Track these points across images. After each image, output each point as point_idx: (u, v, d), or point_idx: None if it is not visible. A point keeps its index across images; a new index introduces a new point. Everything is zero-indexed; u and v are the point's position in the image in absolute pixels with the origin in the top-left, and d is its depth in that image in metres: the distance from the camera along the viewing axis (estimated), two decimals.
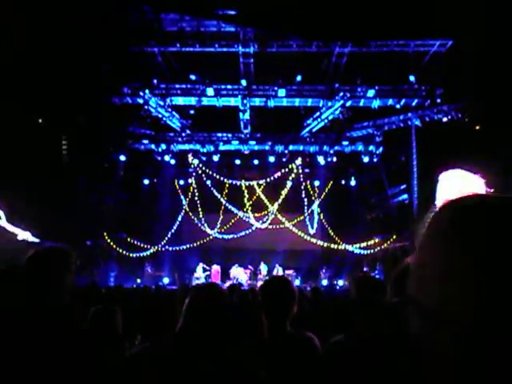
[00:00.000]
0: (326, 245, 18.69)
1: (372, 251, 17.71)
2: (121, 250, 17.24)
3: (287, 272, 17.58)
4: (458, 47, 13.88)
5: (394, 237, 16.85)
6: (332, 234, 18.55)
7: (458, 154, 10.81)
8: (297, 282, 17.26)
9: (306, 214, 19.24)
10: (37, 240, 8.48)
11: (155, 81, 15.74)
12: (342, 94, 15.70)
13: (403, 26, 12.92)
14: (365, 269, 18.45)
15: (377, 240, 17.78)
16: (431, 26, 12.99)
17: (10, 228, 7.29)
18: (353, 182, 19.80)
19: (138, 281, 16.68)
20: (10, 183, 9.67)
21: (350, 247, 18.25)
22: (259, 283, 16.26)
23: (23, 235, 7.64)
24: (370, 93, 15.62)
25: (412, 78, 15.54)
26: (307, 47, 14.53)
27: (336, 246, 18.49)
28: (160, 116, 16.75)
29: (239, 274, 17.52)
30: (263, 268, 17.81)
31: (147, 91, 15.55)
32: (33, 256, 1.98)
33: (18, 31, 9.77)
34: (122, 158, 17.56)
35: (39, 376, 1.45)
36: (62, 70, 12.12)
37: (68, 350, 1.49)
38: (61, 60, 11.95)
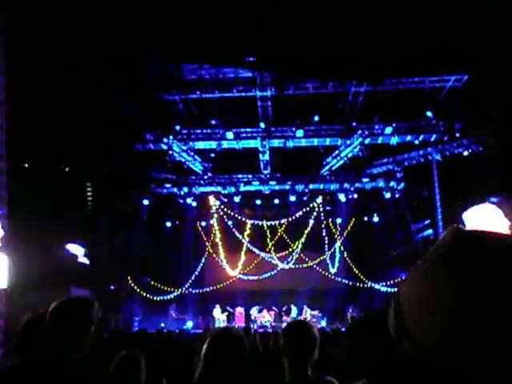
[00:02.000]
0: (351, 283, 18.29)
1: None
2: (144, 294, 17.25)
3: (312, 313, 17.19)
4: (473, 81, 13.95)
5: None
6: (356, 271, 18.19)
7: (482, 187, 10.67)
8: (323, 323, 16.82)
9: (328, 253, 18.99)
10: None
11: (177, 127, 16.25)
12: (359, 132, 15.85)
13: (417, 63, 13.13)
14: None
15: (403, 277, 17.29)
16: (445, 63, 13.17)
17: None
18: (375, 219, 19.57)
19: (162, 325, 16.54)
20: (35, 227, 9.93)
21: (376, 285, 17.80)
22: (284, 325, 15.90)
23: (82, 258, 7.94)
24: (388, 130, 15.72)
25: (429, 114, 15.60)
26: (323, 88, 14.85)
27: (362, 285, 18.07)
28: (182, 160, 17.18)
29: (264, 316, 17.22)
30: (294, 310, 17.44)
31: (170, 137, 16.04)
32: (56, 307, 2.05)
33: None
34: (146, 202, 17.92)
35: None
36: (87, 119, 12.69)
37: None
38: (86, 109, 12.53)
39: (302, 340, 2.06)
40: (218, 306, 17.48)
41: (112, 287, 16.33)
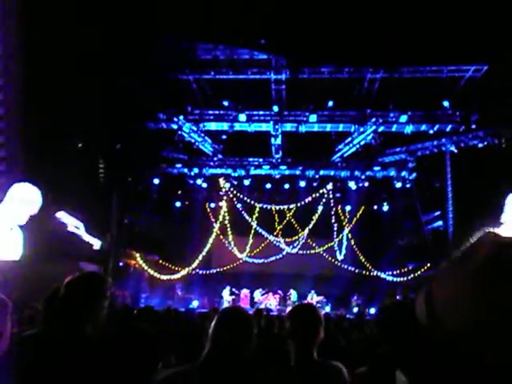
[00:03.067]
0: (357, 271, 18.34)
1: (405, 279, 17.22)
2: (152, 272, 17.49)
3: (317, 298, 17.31)
4: (493, 72, 13.65)
5: (429, 265, 16.35)
6: (363, 260, 18.20)
7: (496, 181, 10.52)
8: (327, 309, 16.94)
9: (336, 240, 19.00)
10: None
11: (189, 107, 16.19)
12: (374, 119, 15.65)
13: (436, 51, 12.87)
14: (398, 297, 17.92)
15: (410, 267, 17.31)
16: (466, 52, 12.89)
17: (88, 238, 7.69)
18: (385, 208, 19.47)
19: (169, 303, 16.79)
20: (47, 203, 10.07)
21: (382, 274, 17.83)
22: (288, 309, 16.06)
23: (97, 244, 8.05)
24: (403, 118, 15.49)
25: (446, 104, 15.33)
26: (339, 73, 14.65)
27: (368, 273, 18.11)
28: (193, 141, 17.17)
29: (269, 299, 17.41)
30: (293, 295, 17.63)
31: (181, 117, 16.01)
32: (71, 282, 2.08)
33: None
34: (156, 181, 18.01)
35: None
36: (101, 97, 12.68)
37: (107, 376, 1.55)
38: (100, 87, 12.52)
39: (308, 322, 2.08)
40: (228, 287, 17.70)
41: (121, 263, 16.56)
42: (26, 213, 3.18)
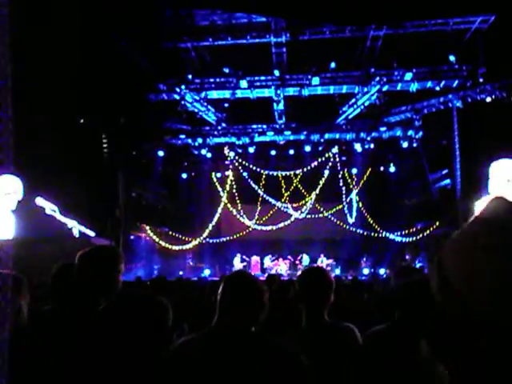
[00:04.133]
0: (365, 233, 18.43)
1: (414, 238, 17.30)
2: (163, 244, 17.72)
3: (327, 262, 17.53)
4: (501, 22, 13.16)
5: (437, 223, 16.38)
6: (372, 222, 18.26)
7: (504, 136, 10.34)
8: (337, 272, 17.18)
9: (345, 203, 19.00)
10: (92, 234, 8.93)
11: (190, 76, 15.92)
12: (378, 78, 15.29)
13: (441, 2, 12.39)
14: (407, 257, 18.07)
15: (419, 227, 17.35)
16: (472, 1, 12.41)
17: (65, 220, 7.78)
18: (392, 169, 19.35)
19: (181, 273, 17.10)
20: (54, 180, 10.09)
21: (390, 235, 17.91)
22: (299, 273, 16.30)
23: (75, 228, 8.13)
24: (408, 76, 15.11)
25: (452, 58, 14.89)
26: (341, 33, 14.22)
27: (376, 235, 18.20)
28: (196, 110, 16.98)
29: (279, 265, 17.65)
30: (305, 259, 17.84)
31: (183, 87, 15.77)
32: (83, 255, 2.09)
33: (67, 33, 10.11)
34: (161, 153, 17.98)
35: (94, 374, 1.53)
36: (100, 70, 12.49)
37: (121, 347, 1.57)
38: (98, 59, 12.31)
39: (317, 285, 2.07)
40: (238, 254, 17.94)
41: (132, 237, 16.78)
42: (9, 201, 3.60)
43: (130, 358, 1.58)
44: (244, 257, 18.14)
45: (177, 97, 16.20)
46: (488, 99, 14.67)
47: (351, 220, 18.95)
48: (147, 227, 17.49)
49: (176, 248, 18.14)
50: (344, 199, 19.00)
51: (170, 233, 18.36)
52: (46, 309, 2.15)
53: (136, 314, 1.69)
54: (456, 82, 15.40)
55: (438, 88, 15.70)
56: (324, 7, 12.75)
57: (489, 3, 12.62)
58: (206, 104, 16.89)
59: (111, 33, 12.44)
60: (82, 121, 13.71)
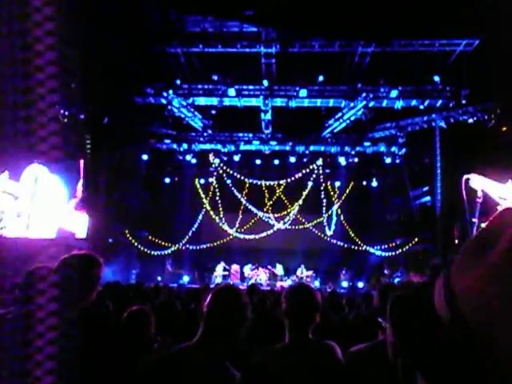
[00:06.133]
0: (345, 246, 18.55)
1: (393, 253, 17.50)
2: (142, 248, 17.48)
3: (307, 273, 17.54)
4: (485, 47, 13.57)
5: (416, 239, 16.61)
6: (352, 235, 18.40)
7: (484, 156, 10.60)
8: (316, 284, 17.20)
9: (325, 216, 19.11)
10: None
11: (178, 81, 15.88)
12: (364, 94, 15.54)
13: (428, 25, 12.70)
14: (385, 271, 18.24)
15: (398, 242, 17.57)
16: (457, 26, 12.75)
17: None
18: (374, 183, 19.59)
19: (159, 278, 16.88)
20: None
21: (370, 249, 18.08)
22: (278, 283, 16.28)
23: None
24: (393, 93, 15.41)
25: (437, 79, 15.26)
26: (330, 47, 14.43)
27: (356, 248, 18.34)
28: (182, 116, 16.92)
29: (258, 274, 17.59)
30: (279, 269, 17.83)
31: (170, 91, 15.71)
32: (64, 263, 2.04)
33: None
34: (145, 157, 17.79)
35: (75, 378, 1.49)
36: (86, 70, 12.34)
37: (97, 358, 1.53)
38: (85, 60, 12.17)
39: (306, 305, 2.05)
40: (222, 262, 17.80)
41: (110, 240, 16.51)
42: None
43: (107, 363, 1.55)
44: (225, 265, 18.03)
45: (164, 101, 16.13)
46: (470, 120, 15.05)
47: (329, 232, 19.04)
48: (126, 231, 17.23)
49: (155, 253, 17.92)
50: (324, 211, 19.10)
51: (150, 237, 18.13)
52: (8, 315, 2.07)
53: (114, 321, 1.66)
54: (440, 101, 15.77)
55: (422, 107, 16.05)
56: (315, 21, 12.92)
57: (473, 28, 12.99)
58: (192, 110, 16.85)
59: (98, 32, 12.31)
60: (65, 120, 13.50)
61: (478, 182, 4.91)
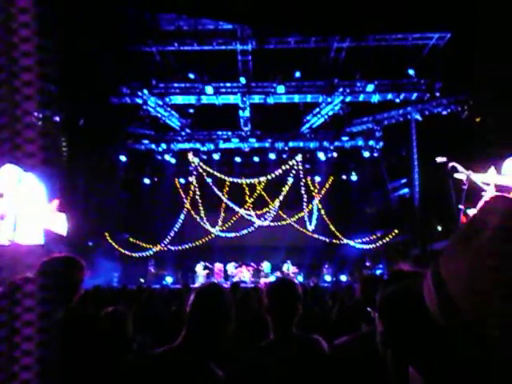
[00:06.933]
0: (327, 240, 18.70)
1: (374, 246, 17.73)
2: (123, 251, 17.26)
3: (293, 269, 17.64)
4: (457, 40, 13.83)
5: (396, 231, 16.87)
6: (333, 229, 18.55)
7: (459, 147, 10.82)
8: (300, 279, 17.30)
9: (306, 211, 19.22)
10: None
11: (154, 80, 15.70)
12: (341, 89, 15.67)
13: (401, 19, 12.87)
14: (367, 264, 18.48)
15: (379, 234, 17.80)
16: (429, 19, 12.95)
17: None
18: (353, 177, 19.78)
19: (142, 280, 16.71)
20: None
21: (351, 242, 18.27)
22: (262, 280, 16.30)
23: None
24: (370, 87, 15.58)
25: (411, 72, 15.49)
26: (305, 43, 14.48)
27: (338, 242, 18.51)
28: (159, 115, 16.74)
29: (242, 272, 17.59)
30: (266, 266, 17.85)
31: (146, 91, 15.52)
32: (45, 266, 1.99)
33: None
34: (123, 158, 17.54)
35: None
36: (60, 71, 12.08)
37: (77, 358, 1.50)
38: (58, 60, 11.91)
39: (287, 298, 2.05)
40: (201, 262, 17.71)
41: (90, 243, 16.25)
42: None
43: (90, 364, 1.52)
44: (207, 264, 17.94)
45: (139, 101, 15.92)
46: (444, 112, 15.35)
47: (310, 227, 19.16)
48: (106, 233, 16.98)
49: (136, 255, 17.72)
50: (305, 206, 19.21)
51: (131, 239, 17.91)
52: None
53: (92, 323, 1.64)
54: (415, 95, 16.03)
55: (398, 100, 16.28)
56: (289, 17, 12.95)
57: (445, 21, 13.22)
58: (169, 109, 16.68)
59: (72, 31, 12.06)
60: (40, 122, 13.19)
61: (462, 169, 5.01)
